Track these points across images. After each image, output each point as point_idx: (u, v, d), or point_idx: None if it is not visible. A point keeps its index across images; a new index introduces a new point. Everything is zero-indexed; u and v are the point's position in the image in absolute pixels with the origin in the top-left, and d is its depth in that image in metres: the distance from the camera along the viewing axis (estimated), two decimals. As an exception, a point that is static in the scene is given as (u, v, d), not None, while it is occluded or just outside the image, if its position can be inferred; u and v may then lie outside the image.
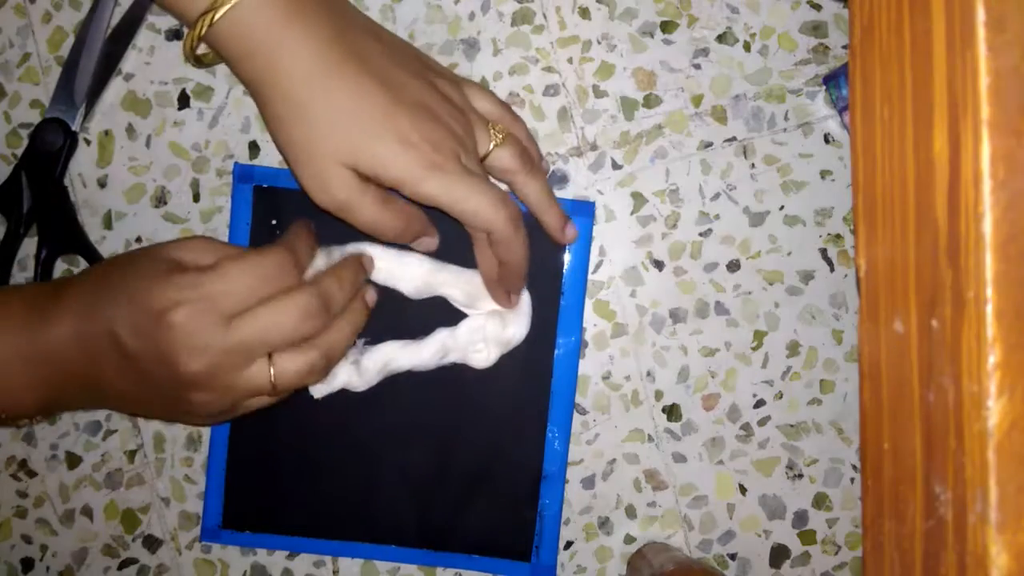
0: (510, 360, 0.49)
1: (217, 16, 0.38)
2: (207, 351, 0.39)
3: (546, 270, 0.50)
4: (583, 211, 0.50)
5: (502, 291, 0.47)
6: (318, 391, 0.48)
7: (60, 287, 0.43)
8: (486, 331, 0.48)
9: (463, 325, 0.49)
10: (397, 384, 0.49)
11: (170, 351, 0.39)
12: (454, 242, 0.48)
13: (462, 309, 0.49)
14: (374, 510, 0.51)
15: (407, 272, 0.48)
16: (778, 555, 0.52)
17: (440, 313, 0.49)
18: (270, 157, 0.52)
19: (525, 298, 0.49)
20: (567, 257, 0.50)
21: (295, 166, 0.41)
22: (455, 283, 0.48)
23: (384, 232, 0.43)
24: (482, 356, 0.49)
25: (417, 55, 0.45)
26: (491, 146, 0.44)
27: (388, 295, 0.48)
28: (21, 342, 0.41)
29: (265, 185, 0.50)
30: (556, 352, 0.50)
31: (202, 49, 0.41)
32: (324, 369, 0.43)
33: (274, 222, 0.50)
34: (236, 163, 0.51)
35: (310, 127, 0.39)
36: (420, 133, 0.40)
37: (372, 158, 0.40)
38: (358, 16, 0.43)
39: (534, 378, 0.50)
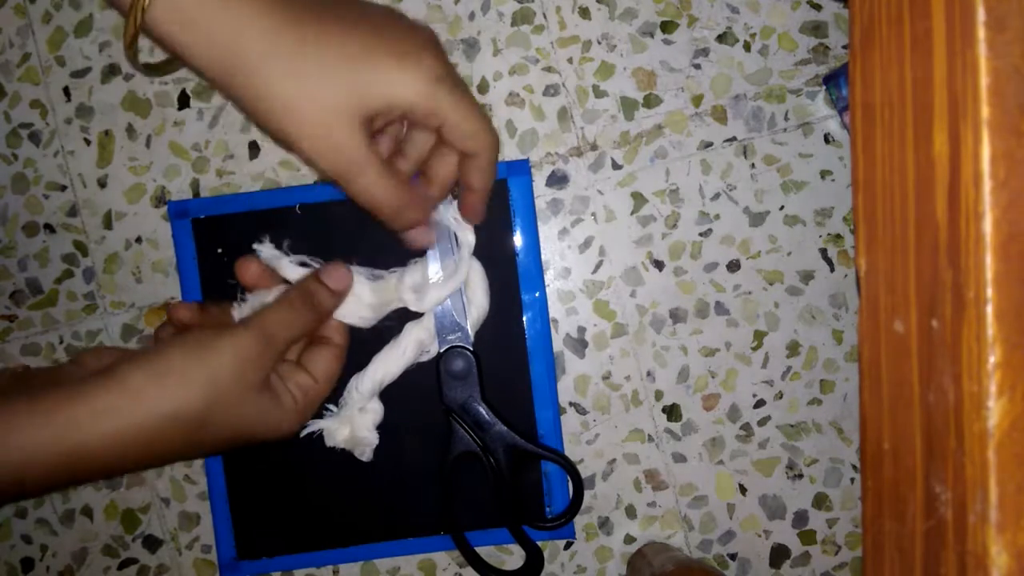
0: (483, 334, 0.49)
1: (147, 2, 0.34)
2: None
3: (495, 234, 0.50)
4: (518, 170, 0.50)
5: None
6: (365, 455, 0.48)
7: None
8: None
9: (428, 316, 0.49)
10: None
11: None
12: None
13: (419, 310, 0.48)
14: (381, 508, 0.51)
15: (352, 298, 0.47)
16: (778, 555, 0.52)
17: (402, 310, 0.49)
18: (271, 156, 0.52)
19: (478, 269, 0.49)
20: (516, 219, 0.50)
21: (295, 136, 0.37)
22: (403, 287, 0.48)
23: (382, 204, 0.40)
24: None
25: None
26: None
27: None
28: None
29: (202, 216, 0.50)
30: (525, 315, 0.50)
31: (153, 57, 0.38)
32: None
33: (220, 251, 0.50)
34: (169, 201, 0.51)
35: (298, 88, 0.36)
36: (412, 41, 0.37)
37: (376, 86, 0.37)
38: None
39: (509, 344, 0.50)
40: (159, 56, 0.38)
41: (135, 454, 0.38)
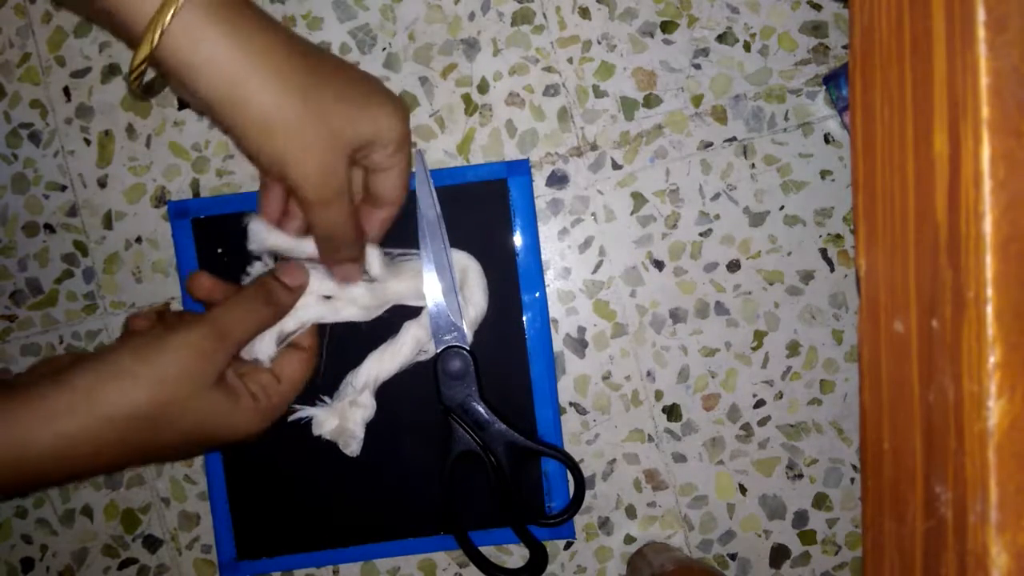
0: (483, 334, 0.49)
1: (167, 20, 0.34)
2: None
3: (495, 234, 0.50)
4: (519, 170, 0.50)
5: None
6: (350, 449, 0.48)
7: None
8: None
9: (425, 314, 0.49)
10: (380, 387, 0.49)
11: None
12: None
13: (417, 304, 0.49)
14: (381, 508, 0.51)
15: (347, 299, 0.47)
16: (778, 555, 0.52)
17: (401, 307, 0.49)
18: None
19: (477, 269, 0.49)
20: (516, 219, 0.50)
21: (291, 158, 0.38)
22: (401, 282, 0.48)
23: (344, 234, 0.43)
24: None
25: None
26: None
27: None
28: None
29: (203, 216, 0.50)
30: (525, 316, 0.50)
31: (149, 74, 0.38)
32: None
33: (220, 251, 0.50)
34: (169, 201, 0.51)
35: (304, 112, 0.38)
36: (389, 93, 0.42)
37: (367, 120, 0.40)
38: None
39: (509, 344, 0.50)
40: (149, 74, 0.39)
41: (87, 457, 0.38)
